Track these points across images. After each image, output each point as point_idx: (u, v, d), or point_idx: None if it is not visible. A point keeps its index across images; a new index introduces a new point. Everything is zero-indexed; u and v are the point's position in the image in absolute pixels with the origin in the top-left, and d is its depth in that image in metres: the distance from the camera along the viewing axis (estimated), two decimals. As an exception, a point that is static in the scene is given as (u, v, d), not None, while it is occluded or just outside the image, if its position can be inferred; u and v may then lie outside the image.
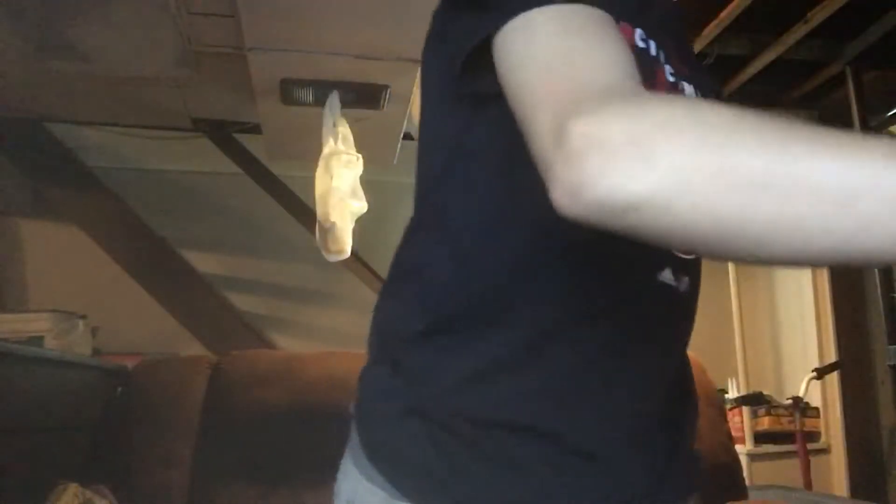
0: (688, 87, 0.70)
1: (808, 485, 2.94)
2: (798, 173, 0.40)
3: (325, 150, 2.66)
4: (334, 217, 2.60)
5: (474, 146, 0.65)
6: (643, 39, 0.65)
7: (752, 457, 3.27)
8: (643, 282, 0.65)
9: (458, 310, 0.65)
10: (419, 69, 0.74)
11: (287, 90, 2.69)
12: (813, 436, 3.32)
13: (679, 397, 0.73)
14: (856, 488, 3.26)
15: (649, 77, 0.62)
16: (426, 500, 0.65)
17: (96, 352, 3.08)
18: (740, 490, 1.93)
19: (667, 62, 0.68)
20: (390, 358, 0.70)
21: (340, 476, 0.73)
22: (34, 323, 2.81)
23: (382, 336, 0.73)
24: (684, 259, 0.68)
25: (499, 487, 0.64)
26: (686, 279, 0.68)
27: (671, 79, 0.68)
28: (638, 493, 0.66)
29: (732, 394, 3.39)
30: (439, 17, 0.69)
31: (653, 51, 0.66)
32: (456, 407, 0.65)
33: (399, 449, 0.67)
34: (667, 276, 0.66)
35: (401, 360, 0.69)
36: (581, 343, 0.64)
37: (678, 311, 0.69)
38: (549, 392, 0.64)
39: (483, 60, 0.57)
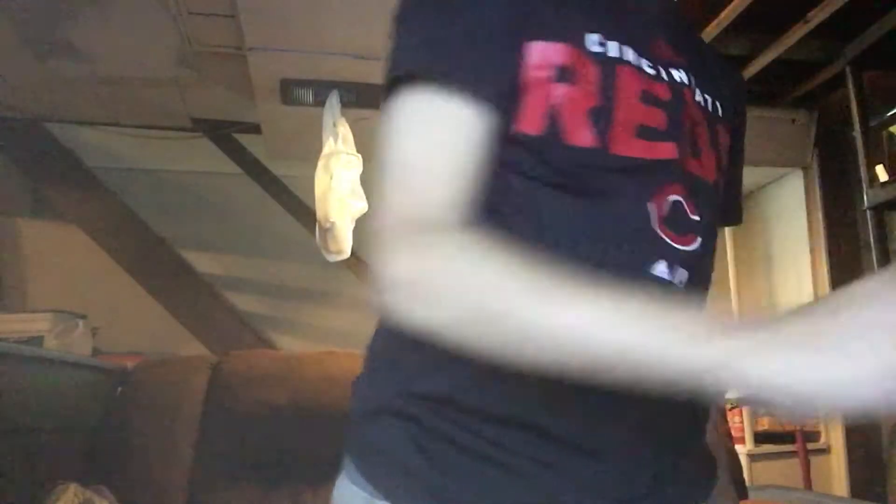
0: (678, 73, 0.71)
1: (808, 485, 2.95)
2: (545, 340, 0.51)
3: (325, 150, 2.66)
4: (334, 217, 2.60)
5: None
6: (600, 43, 0.66)
7: (752, 457, 3.27)
8: (633, 276, 0.64)
9: None
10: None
11: (287, 90, 2.69)
12: (813, 436, 3.32)
13: (688, 396, 0.73)
14: (856, 488, 3.25)
15: (608, 76, 0.65)
16: (406, 499, 0.64)
17: (96, 352, 3.08)
18: (740, 490, 1.93)
19: (644, 56, 0.68)
20: (378, 362, 0.71)
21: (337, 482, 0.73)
22: (34, 323, 2.82)
23: (375, 344, 0.73)
24: (682, 251, 0.66)
25: (486, 484, 0.62)
26: (684, 273, 0.67)
27: (650, 70, 0.68)
28: (639, 492, 0.65)
29: (732, 394, 3.39)
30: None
31: (613, 52, 0.66)
32: (444, 401, 0.64)
33: (377, 448, 0.67)
34: (661, 269, 0.65)
35: (386, 362, 0.70)
36: None
37: (677, 307, 0.68)
38: (541, 385, 0.62)
39: None
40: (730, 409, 3.23)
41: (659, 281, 0.65)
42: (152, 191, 3.78)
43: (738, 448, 2.92)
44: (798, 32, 2.67)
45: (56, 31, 2.56)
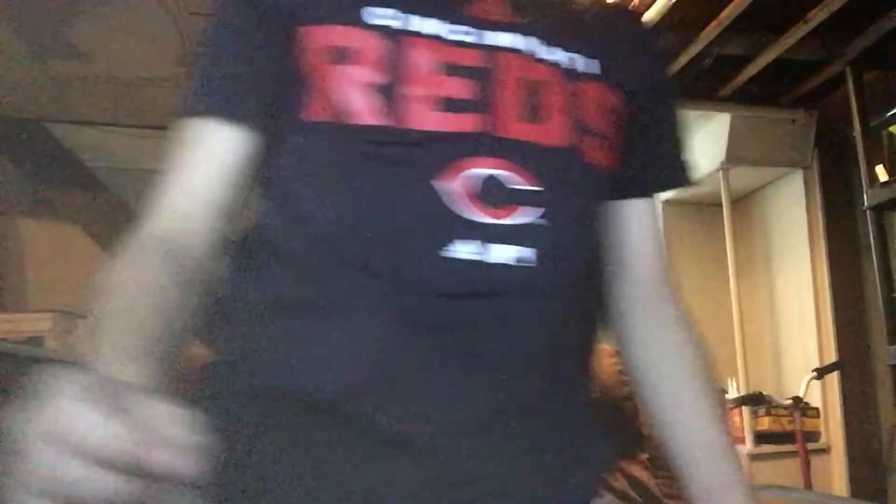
0: (506, 35, 0.66)
1: (808, 485, 2.94)
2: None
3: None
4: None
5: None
6: (392, 17, 0.64)
7: (752, 457, 3.27)
8: (430, 258, 0.59)
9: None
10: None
11: (287, 90, 2.69)
12: (813, 436, 3.32)
13: (555, 396, 0.65)
14: (856, 488, 3.26)
15: (395, 50, 0.63)
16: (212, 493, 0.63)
17: (96, 352, 3.07)
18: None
19: (457, 21, 0.65)
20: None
21: None
22: (34, 323, 2.82)
23: None
24: (502, 226, 0.61)
25: (297, 478, 0.59)
26: (506, 249, 0.60)
27: (460, 37, 0.65)
28: (483, 492, 0.60)
29: (732, 394, 3.39)
30: None
31: (403, 23, 0.64)
32: (242, 377, 0.64)
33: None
34: (460, 249, 0.59)
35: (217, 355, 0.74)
36: (365, 318, 0.60)
37: (505, 288, 0.61)
38: (333, 364, 0.60)
39: None
40: (729, 410, 3.23)
41: (459, 262, 0.59)
42: (152, 191, 3.78)
43: (738, 448, 2.92)
44: (798, 32, 2.68)
45: (56, 31, 2.56)
